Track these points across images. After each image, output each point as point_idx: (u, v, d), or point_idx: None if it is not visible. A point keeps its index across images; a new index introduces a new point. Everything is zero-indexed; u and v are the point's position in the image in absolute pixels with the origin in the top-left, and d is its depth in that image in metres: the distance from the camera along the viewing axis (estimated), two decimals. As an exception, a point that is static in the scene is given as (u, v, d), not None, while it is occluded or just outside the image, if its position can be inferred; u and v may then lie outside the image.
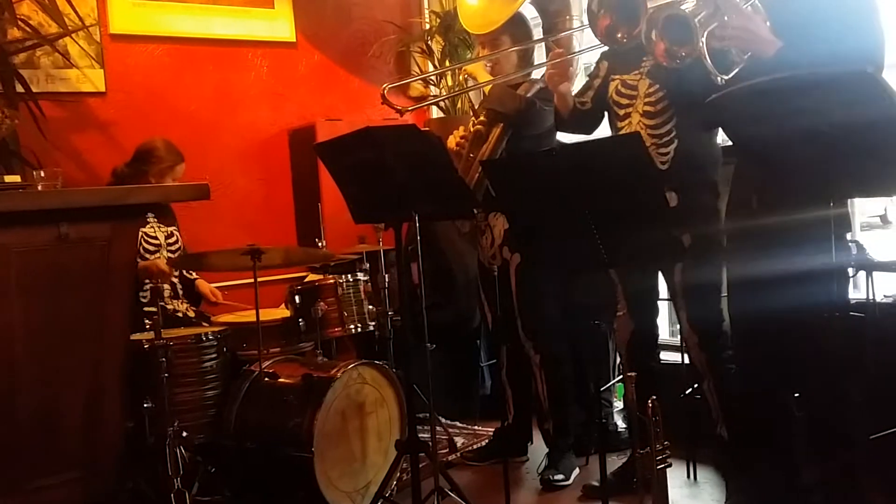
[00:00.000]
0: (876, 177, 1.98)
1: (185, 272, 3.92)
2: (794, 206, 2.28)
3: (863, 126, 1.79)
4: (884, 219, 11.37)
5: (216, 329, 3.45)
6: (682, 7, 2.27)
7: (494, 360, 4.15)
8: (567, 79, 3.00)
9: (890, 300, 2.98)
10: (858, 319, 2.75)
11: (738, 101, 2.09)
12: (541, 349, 3.40)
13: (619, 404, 3.83)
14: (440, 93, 4.96)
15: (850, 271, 2.58)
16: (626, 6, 2.61)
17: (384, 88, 2.94)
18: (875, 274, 2.77)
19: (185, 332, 3.38)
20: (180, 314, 3.77)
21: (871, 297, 2.79)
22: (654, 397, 2.29)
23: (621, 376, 3.69)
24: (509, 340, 3.48)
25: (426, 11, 5.16)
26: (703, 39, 2.20)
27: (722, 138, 2.95)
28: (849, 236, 2.50)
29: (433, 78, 5.05)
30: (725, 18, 2.24)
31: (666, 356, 3.45)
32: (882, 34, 2.32)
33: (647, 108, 2.85)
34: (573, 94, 3.07)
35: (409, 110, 4.01)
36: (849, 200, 2.48)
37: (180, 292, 3.87)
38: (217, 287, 3.99)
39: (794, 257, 2.29)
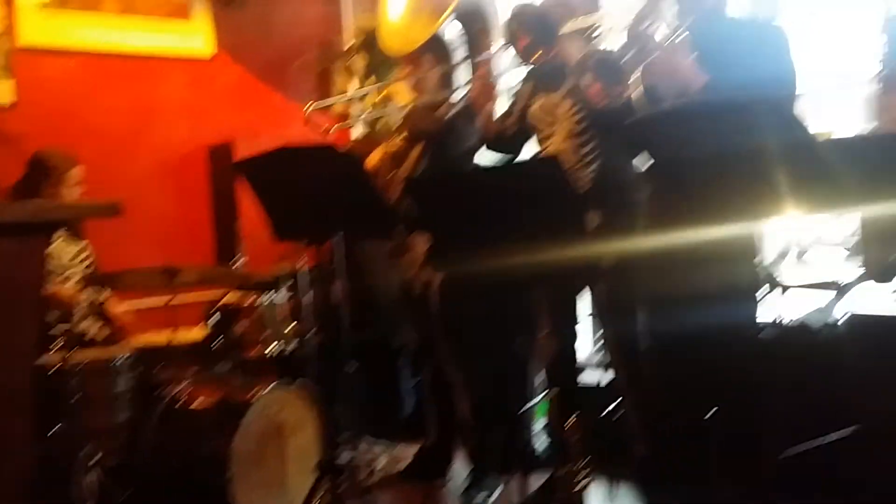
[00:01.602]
0: (787, 199, 2.03)
1: (96, 292, 3.79)
2: (710, 228, 2.34)
3: (775, 150, 1.85)
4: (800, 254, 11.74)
5: (128, 352, 3.34)
6: (613, 48, 2.34)
7: (417, 380, 4.13)
8: (491, 99, 3.02)
9: (798, 322, 3.08)
10: (770, 339, 2.83)
11: (656, 124, 2.14)
12: (463, 369, 3.39)
13: (540, 423, 3.84)
14: (362, 111, 4.93)
15: (762, 292, 2.66)
16: (544, 26, 2.67)
17: (307, 108, 2.92)
18: (785, 295, 2.86)
19: (96, 355, 3.26)
20: (91, 336, 3.64)
21: (780, 317, 2.88)
22: (575, 416, 2.30)
23: (543, 395, 3.71)
24: (431, 360, 3.46)
25: (349, 28, 5.13)
26: (636, 77, 2.28)
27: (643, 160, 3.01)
28: (759, 258, 2.58)
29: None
30: (653, 56, 2.32)
31: (587, 375, 3.48)
32: (793, 65, 2.44)
33: (571, 126, 2.89)
34: (500, 114, 3.10)
35: (334, 129, 3.97)
36: (761, 222, 2.55)
37: (93, 313, 3.74)
38: (131, 307, 3.87)
39: (709, 278, 2.35)
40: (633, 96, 2.33)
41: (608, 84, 2.40)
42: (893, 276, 2.26)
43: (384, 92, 3.48)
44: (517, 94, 3.13)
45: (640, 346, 2.92)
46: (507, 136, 3.09)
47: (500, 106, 3.23)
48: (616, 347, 2.93)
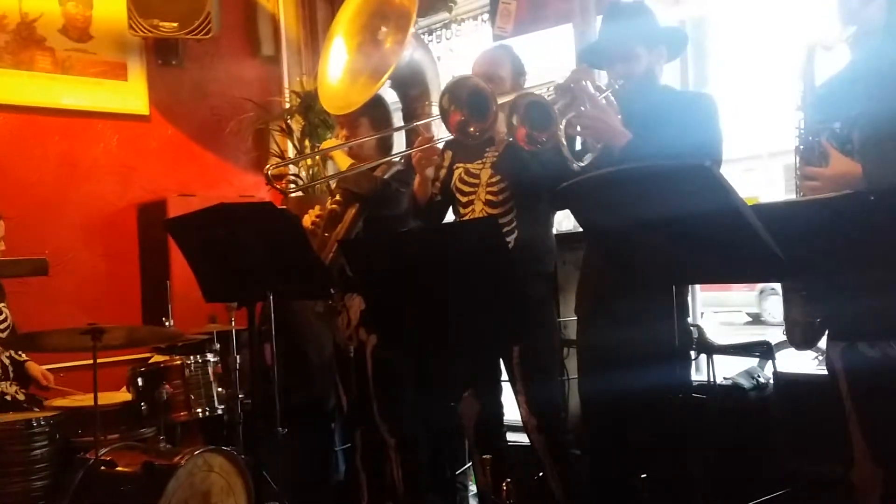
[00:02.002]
0: (714, 264, 2.08)
1: (14, 353, 3.66)
2: (639, 291, 2.37)
3: (701, 216, 1.89)
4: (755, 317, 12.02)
5: (48, 414, 3.22)
6: (544, 96, 2.39)
7: (349, 445, 4.06)
8: (433, 164, 3.03)
9: (728, 382, 3.13)
10: (700, 400, 2.87)
11: (586, 189, 2.17)
12: (396, 433, 3.34)
13: (474, 488, 3.80)
14: (299, 172, 4.93)
15: (692, 354, 2.70)
16: (477, 103, 2.69)
17: (268, 169, 2.93)
18: (714, 357, 2.91)
19: (13, 417, 3.15)
20: (9, 397, 3.50)
21: (711, 379, 2.93)
22: (508, 480, 2.28)
23: (473, 459, 3.67)
24: (364, 424, 3.41)
25: (286, 90, 5.16)
26: (562, 127, 2.33)
27: (573, 224, 3.06)
28: (689, 320, 2.62)
29: (291, 156, 5.02)
30: (582, 109, 2.38)
31: (519, 437, 3.46)
32: (721, 132, 2.54)
33: (490, 196, 2.94)
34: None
35: (292, 193, 3.93)
36: (689, 286, 2.61)
37: (11, 374, 3.59)
38: (53, 368, 3.74)
39: (639, 340, 2.38)
40: (555, 145, 2.38)
41: (534, 129, 2.45)
42: (814, 344, 2.31)
43: (320, 153, 3.47)
44: (437, 164, 3.16)
45: (560, 410, 2.92)
46: (433, 205, 3.11)
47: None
48: (535, 411, 2.91)
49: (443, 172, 3.12)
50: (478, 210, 2.95)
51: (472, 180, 3.00)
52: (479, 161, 3.00)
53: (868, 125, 2.11)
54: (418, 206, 3.11)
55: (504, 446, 3.14)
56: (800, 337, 2.28)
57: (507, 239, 2.88)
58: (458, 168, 3.06)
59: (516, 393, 2.97)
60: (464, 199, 3.01)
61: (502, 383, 3.14)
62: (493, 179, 2.95)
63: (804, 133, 2.23)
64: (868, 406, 2.14)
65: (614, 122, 2.45)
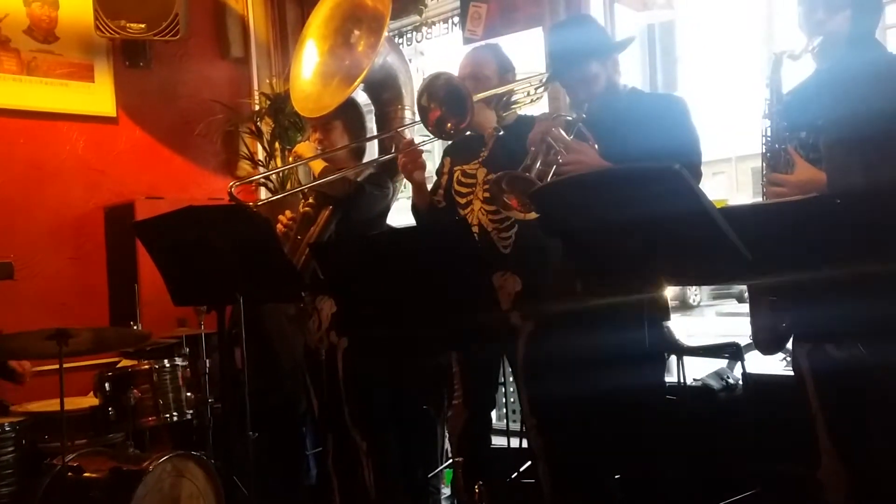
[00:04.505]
0: (686, 266, 2.10)
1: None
2: (614, 293, 2.39)
3: (672, 218, 1.91)
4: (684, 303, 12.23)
5: (14, 419, 3.17)
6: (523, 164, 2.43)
7: (320, 448, 4.04)
8: (420, 167, 3.01)
9: (699, 383, 3.16)
10: (671, 402, 2.89)
11: (560, 192, 2.19)
12: (368, 436, 3.33)
13: (447, 491, 3.80)
14: (270, 176, 4.90)
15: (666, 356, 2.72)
16: (454, 98, 2.70)
17: (231, 187, 2.91)
18: (684, 358, 2.93)
19: (-23, 424, 3.09)
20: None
21: (681, 380, 2.95)
22: (481, 483, 2.29)
23: (449, 462, 3.68)
24: (336, 427, 3.39)
25: (256, 93, 5.13)
26: (547, 180, 2.36)
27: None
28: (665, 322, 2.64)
29: (261, 158, 4.99)
30: (559, 158, 2.41)
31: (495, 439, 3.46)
32: (696, 132, 2.57)
33: (487, 194, 2.94)
34: (431, 188, 3.12)
35: (259, 204, 3.89)
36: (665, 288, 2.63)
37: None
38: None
39: (615, 342, 2.39)
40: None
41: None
42: (780, 349, 2.35)
43: (292, 156, 3.45)
44: (439, 171, 3.17)
45: (560, 411, 2.93)
46: (439, 213, 3.09)
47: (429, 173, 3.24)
48: (536, 411, 2.91)
49: (444, 179, 3.12)
50: (476, 209, 2.95)
51: (468, 181, 3.00)
52: (475, 161, 3.00)
53: (833, 134, 2.14)
54: (420, 214, 3.09)
55: (485, 453, 3.13)
56: (766, 342, 2.31)
57: (508, 233, 2.88)
58: (455, 171, 3.05)
59: (520, 391, 2.95)
60: (462, 201, 3.01)
61: (495, 389, 3.13)
62: (490, 177, 2.94)
63: (770, 140, 2.27)
64: (834, 406, 2.18)
65: (593, 159, 2.48)
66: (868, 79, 2.16)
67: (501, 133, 2.85)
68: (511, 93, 2.95)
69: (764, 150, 2.28)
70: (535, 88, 2.90)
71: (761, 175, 2.32)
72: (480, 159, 2.99)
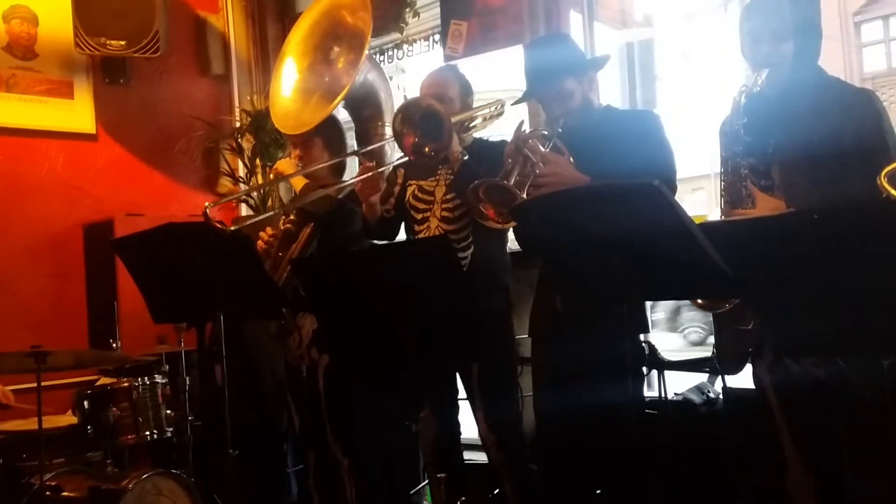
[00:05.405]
0: (663, 281, 2.12)
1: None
2: (592, 309, 2.40)
3: (650, 234, 1.92)
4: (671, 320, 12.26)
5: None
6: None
7: (302, 466, 4.01)
8: (377, 191, 3.05)
9: (680, 398, 3.17)
10: (652, 416, 2.90)
11: (537, 209, 2.20)
12: (349, 453, 3.32)
13: (428, 507, 3.79)
14: (251, 192, 4.89)
15: (644, 370, 2.73)
16: (430, 123, 2.72)
17: (206, 208, 2.90)
18: (665, 373, 2.95)
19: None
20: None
21: (662, 394, 2.96)
22: (463, 498, 2.28)
23: (428, 478, 3.66)
24: (317, 445, 3.38)
25: (237, 109, 5.12)
26: (524, 194, 2.38)
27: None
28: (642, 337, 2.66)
29: (242, 175, 4.98)
30: (537, 171, 2.43)
31: (473, 455, 3.46)
32: (670, 147, 2.60)
33: (445, 213, 2.98)
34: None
35: (233, 229, 3.87)
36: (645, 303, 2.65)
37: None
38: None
39: (593, 358, 2.40)
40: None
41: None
42: (741, 368, 2.38)
43: (273, 172, 3.45)
44: (391, 181, 3.18)
45: (520, 427, 2.94)
46: (386, 222, 3.13)
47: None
48: (495, 428, 2.93)
49: (396, 189, 3.14)
50: (433, 226, 2.98)
51: (426, 197, 3.03)
52: (433, 178, 3.04)
53: (787, 158, 2.19)
54: (369, 225, 3.12)
55: (460, 465, 3.14)
56: (729, 361, 2.33)
57: (464, 254, 2.91)
58: (410, 185, 3.08)
59: (475, 409, 2.97)
60: (418, 217, 3.04)
61: (459, 401, 3.15)
62: (448, 196, 2.98)
63: (725, 160, 2.30)
64: (797, 418, 2.22)
65: (570, 173, 2.51)
66: (813, 104, 2.20)
67: (467, 158, 2.88)
68: (472, 117, 3.01)
69: (722, 188, 2.32)
70: (494, 112, 2.97)
71: (719, 213, 2.35)
72: (439, 177, 3.02)
